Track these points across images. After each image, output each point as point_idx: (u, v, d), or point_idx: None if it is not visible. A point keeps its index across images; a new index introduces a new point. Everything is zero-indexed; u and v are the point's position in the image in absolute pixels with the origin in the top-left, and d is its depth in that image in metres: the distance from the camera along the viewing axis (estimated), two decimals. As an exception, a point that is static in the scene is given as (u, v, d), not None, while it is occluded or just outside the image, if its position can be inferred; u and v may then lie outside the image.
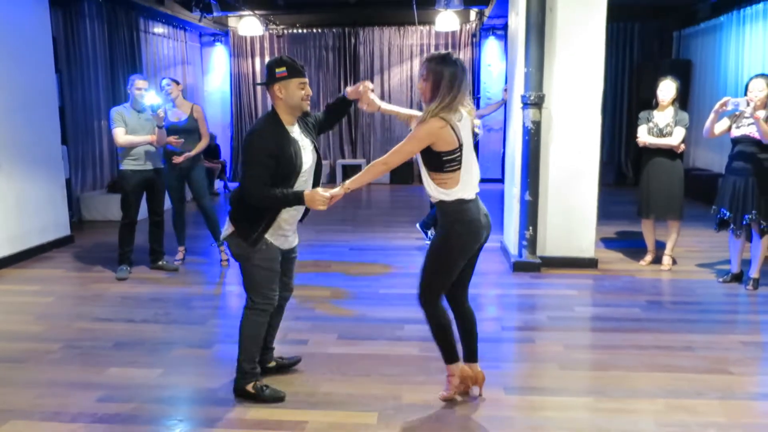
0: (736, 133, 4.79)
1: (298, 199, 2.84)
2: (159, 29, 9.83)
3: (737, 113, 4.73)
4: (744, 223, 4.77)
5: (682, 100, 7.11)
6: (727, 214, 4.85)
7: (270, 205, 2.89)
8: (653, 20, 10.57)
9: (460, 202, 2.82)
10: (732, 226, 4.86)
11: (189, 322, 4.28)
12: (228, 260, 5.68)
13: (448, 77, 2.72)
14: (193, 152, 5.38)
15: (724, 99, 4.66)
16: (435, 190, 2.83)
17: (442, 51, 2.88)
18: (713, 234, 5.36)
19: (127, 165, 5.22)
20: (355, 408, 3.03)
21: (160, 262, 5.54)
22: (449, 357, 3.03)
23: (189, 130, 5.37)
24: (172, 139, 5.24)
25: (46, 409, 3.04)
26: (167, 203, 5.63)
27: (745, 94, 4.65)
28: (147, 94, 5.12)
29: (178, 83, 5.52)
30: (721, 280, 5.08)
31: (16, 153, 5.86)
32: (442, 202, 2.84)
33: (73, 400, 3.11)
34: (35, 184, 6.13)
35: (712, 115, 4.82)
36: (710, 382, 3.29)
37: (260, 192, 2.83)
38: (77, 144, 7.86)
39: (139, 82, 5.22)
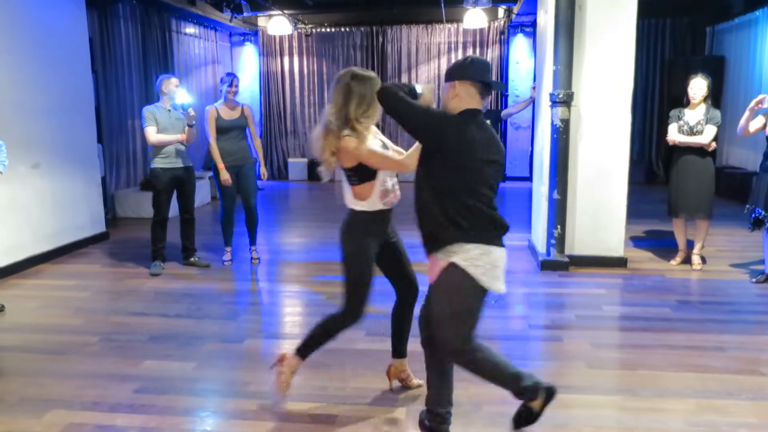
0: (770, 130, 4.71)
1: None
2: (190, 29, 10.01)
3: (772, 111, 4.66)
4: (778, 222, 4.70)
5: (716, 98, 7.00)
6: (762, 213, 4.77)
7: None
8: (685, 16, 10.39)
9: None
10: (766, 225, 4.78)
11: (221, 318, 4.38)
12: (259, 258, 5.79)
13: None
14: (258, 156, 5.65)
15: (760, 96, 4.60)
16: None
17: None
18: (747, 233, 5.28)
19: (157, 163, 5.33)
20: (384, 403, 3.07)
21: (192, 259, 5.66)
22: None
23: (241, 128, 5.52)
24: (222, 174, 5.35)
25: (86, 399, 3.15)
26: (200, 201, 5.74)
27: (781, 92, 4.58)
28: (178, 93, 5.23)
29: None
30: (754, 280, 5.00)
31: (53, 152, 6.04)
32: None
33: (111, 391, 3.22)
34: (72, 182, 6.32)
35: (747, 113, 4.76)
36: (742, 382, 3.26)
37: None
38: (112, 143, 8.05)
39: (173, 80, 5.35)
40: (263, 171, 5.65)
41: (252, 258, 5.78)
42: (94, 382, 3.34)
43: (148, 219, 5.76)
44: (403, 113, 2.51)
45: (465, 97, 2.53)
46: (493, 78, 10.61)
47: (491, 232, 2.52)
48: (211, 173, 5.87)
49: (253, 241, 5.79)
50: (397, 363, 3.18)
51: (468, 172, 2.46)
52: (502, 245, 2.56)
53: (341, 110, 2.75)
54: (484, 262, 2.48)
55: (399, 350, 3.16)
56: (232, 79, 5.46)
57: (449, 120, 2.50)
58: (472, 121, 2.50)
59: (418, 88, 2.68)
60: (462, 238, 2.47)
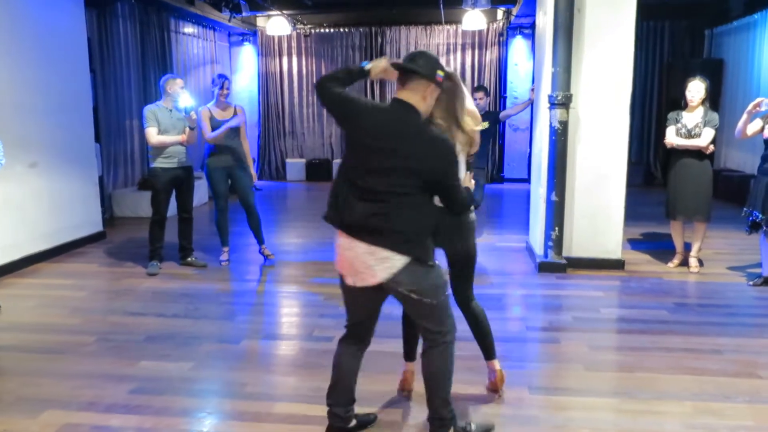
0: (768, 133, 4.72)
1: None
2: (189, 29, 9.99)
3: (770, 114, 4.67)
4: (776, 225, 4.70)
5: (714, 101, 7.01)
6: (759, 216, 4.78)
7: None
8: (684, 19, 10.42)
9: None
10: (764, 228, 4.79)
11: (218, 318, 4.37)
12: (273, 253, 5.78)
13: None
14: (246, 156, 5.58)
15: (758, 100, 4.60)
16: None
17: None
18: (744, 236, 5.29)
19: (158, 163, 5.33)
20: (381, 404, 3.07)
21: (189, 259, 5.65)
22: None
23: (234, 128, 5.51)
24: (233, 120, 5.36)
25: (82, 399, 3.14)
26: (198, 200, 5.72)
27: (779, 95, 4.58)
28: (182, 95, 5.22)
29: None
30: (751, 283, 5.01)
31: (51, 152, 6.02)
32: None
33: (107, 392, 3.21)
34: (69, 182, 6.30)
35: (744, 116, 4.76)
36: (739, 385, 3.26)
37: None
38: (109, 142, 8.04)
39: (178, 81, 5.35)
40: (252, 174, 5.62)
41: (267, 256, 5.71)
42: (90, 382, 3.33)
43: (145, 218, 5.75)
44: (325, 102, 2.55)
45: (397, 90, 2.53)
46: (485, 82, 10.81)
47: (344, 217, 2.48)
48: (204, 175, 5.83)
49: (260, 240, 5.72)
50: (412, 366, 3.14)
51: (352, 154, 2.51)
52: (355, 239, 2.44)
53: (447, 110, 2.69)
54: (337, 247, 2.55)
55: (410, 354, 3.15)
56: (223, 81, 5.47)
57: (360, 105, 2.52)
58: (387, 108, 2.50)
59: (366, 65, 2.65)
60: (327, 217, 2.59)
